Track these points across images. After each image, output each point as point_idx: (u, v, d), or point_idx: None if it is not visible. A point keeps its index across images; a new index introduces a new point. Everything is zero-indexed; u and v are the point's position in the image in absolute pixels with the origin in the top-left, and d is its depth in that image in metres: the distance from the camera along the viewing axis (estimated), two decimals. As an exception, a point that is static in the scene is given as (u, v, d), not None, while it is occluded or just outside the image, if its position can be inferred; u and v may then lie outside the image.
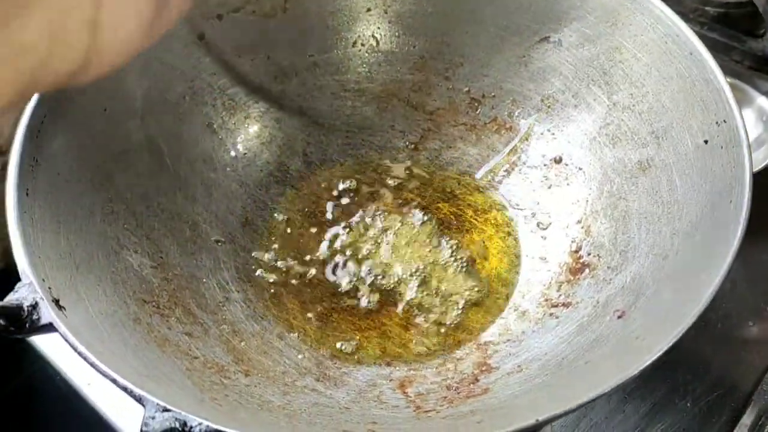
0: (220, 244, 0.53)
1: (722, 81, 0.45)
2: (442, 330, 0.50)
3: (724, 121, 0.44)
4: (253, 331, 0.49)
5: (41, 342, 0.54)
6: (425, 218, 0.56)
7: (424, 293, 0.52)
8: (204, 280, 0.50)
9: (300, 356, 0.48)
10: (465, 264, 0.53)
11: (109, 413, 0.51)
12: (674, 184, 0.46)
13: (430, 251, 0.54)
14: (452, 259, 0.54)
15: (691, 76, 0.47)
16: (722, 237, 0.39)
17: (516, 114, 0.59)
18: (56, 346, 0.54)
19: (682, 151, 0.47)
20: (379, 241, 0.55)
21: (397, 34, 0.61)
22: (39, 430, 0.62)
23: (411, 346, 0.49)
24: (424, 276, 0.53)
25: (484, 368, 0.46)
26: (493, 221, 0.56)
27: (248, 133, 0.59)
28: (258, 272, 0.53)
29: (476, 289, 0.52)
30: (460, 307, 0.51)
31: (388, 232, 0.55)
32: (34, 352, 0.55)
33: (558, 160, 0.56)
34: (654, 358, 0.33)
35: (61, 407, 0.55)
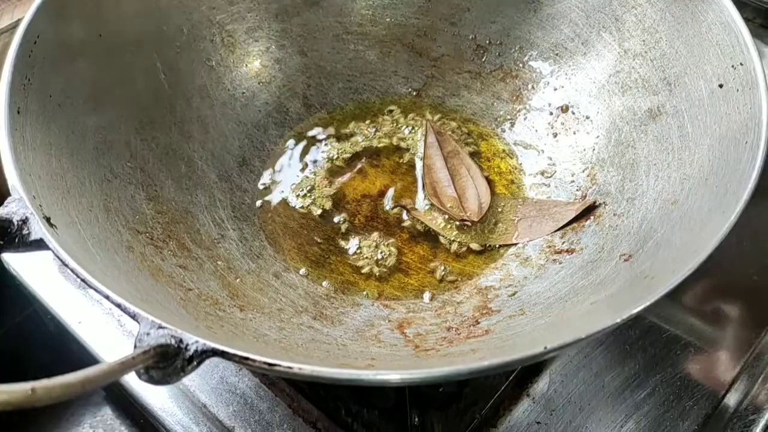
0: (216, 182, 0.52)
1: (740, 23, 0.43)
2: (441, 270, 0.49)
3: (741, 64, 0.43)
4: (248, 269, 0.47)
5: (33, 282, 0.53)
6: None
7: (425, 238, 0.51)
8: (199, 216, 0.49)
9: (296, 295, 0.47)
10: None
11: (100, 351, 0.49)
12: (685, 130, 0.45)
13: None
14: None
15: (707, 20, 0.46)
16: (737, 178, 0.38)
17: (523, 62, 0.57)
18: (47, 285, 0.53)
19: (695, 97, 0.45)
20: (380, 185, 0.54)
21: (403, -25, 0.60)
22: (31, 368, 0.61)
23: (409, 289, 0.48)
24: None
25: (484, 311, 0.45)
26: (496, 169, 0.55)
27: (247, 72, 0.57)
28: (254, 211, 0.52)
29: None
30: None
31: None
32: (26, 293, 0.53)
33: (565, 109, 0.55)
34: (667, 290, 0.32)
35: (52, 346, 0.54)
